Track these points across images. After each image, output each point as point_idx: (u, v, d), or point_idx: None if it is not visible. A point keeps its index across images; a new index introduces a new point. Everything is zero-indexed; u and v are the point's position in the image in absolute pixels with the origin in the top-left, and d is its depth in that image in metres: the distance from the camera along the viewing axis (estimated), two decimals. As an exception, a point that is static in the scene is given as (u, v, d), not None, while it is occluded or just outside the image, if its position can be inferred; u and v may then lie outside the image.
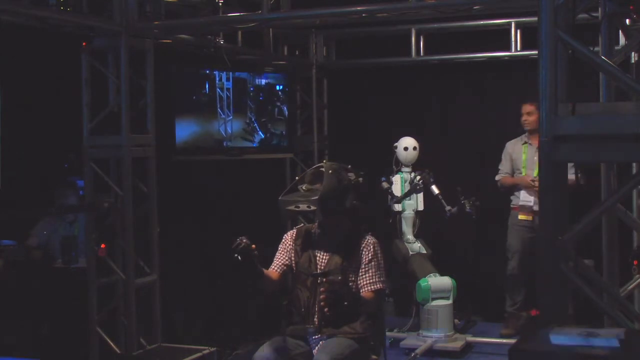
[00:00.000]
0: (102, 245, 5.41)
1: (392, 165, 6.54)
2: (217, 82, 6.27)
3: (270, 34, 6.90)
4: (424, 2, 5.28)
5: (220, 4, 5.86)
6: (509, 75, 7.04)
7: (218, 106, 6.28)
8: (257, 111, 6.56)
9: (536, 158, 6.44)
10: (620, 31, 4.47)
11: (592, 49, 3.62)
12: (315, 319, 4.04)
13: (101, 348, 5.49)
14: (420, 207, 6.49)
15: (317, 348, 3.98)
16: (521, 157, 6.52)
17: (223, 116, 6.31)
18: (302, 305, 4.07)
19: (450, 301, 6.19)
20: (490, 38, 7.04)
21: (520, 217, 6.46)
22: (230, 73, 6.34)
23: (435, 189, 6.31)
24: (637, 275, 4.35)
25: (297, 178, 4.36)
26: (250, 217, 6.32)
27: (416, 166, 6.53)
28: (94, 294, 5.47)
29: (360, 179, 4.15)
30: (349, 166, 4.19)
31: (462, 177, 6.63)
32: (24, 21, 4.99)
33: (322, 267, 4.04)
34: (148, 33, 5.64)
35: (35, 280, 5.25)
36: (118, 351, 5.54)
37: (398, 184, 6.45)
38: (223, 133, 6.33)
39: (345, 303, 3.84)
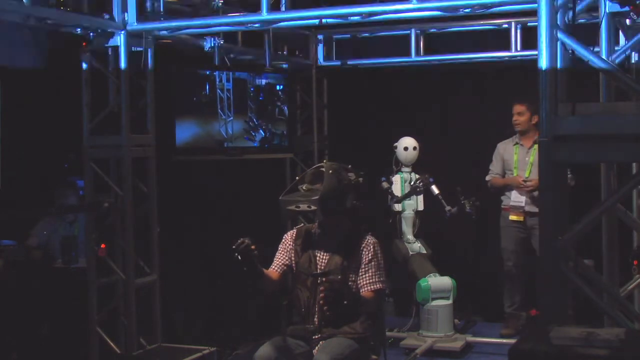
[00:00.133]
0: (102, 245, 5.41)
1: (392, 165, 6.54)
2: (217, 83, 6.27)
3: (270, 34, 6.89)
4: (424, 2, 5.27)
5: (220, 4, 5.85)
6: (509, 75, 7.04)
7: (218, 107, 6.28)
8: (257, 111, 6.56)
9: (527, 159, 6.45)
10: (620, 31, 4.47)
11: (592, 49, 3.62)
12: (315, 319, 4.04)
13: (101, 348, 5.49)
14: (420, 207, 6.49)
15: (317, 348, 3.98)
16: (513, 157, 6.52)
17: (224, 117, 6.32)
18: (302, 305, 4.07)
19: (450, 301, 6.19)
20: (490, 38, 7.03)
21: (512, 217, 6.46)
22: (231, 73, 6.33)
23: (435, 189, 6.31)
24: (637, 275, 4.35)
25: (297, 178, 4.37)
26: (250, 217, 6.32)
27: (416, 166, 6.53)
28: (94, 294, 5.47)
29: (360, 179, 4.16)
30: (349, 166, 4.19)
31: (462, 177, 6.63)
32: (24, 21, 4.98)
33: (322, 267, 4.04)
34: (148, 33, 5.64)
35: (35, 280, 5.26)
36: (118, 351, 5.54)
37: (398, 184, 6.45)
38: (224, 134, 6.33)
39: (345, 302, 3.84)
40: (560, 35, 3.39)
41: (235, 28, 6.09)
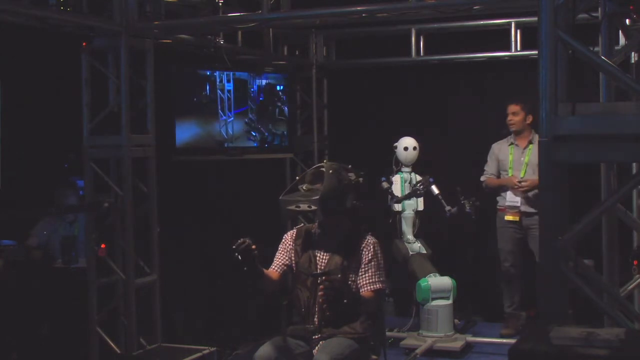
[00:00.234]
0: (102, 245, 5.41)
1: (392, 165, 6.54)
2: (217, 83, 6.27)
3: (270, 34, 6.90)
4: (424, 2, 5.28)
5: (220, 4, 5.86)
6: (509, 75, 7.04)
7: (219, 107, 6.29)
8: (257, 112, 6.56)
9: (523, 159, 6.45)
10: (620, 31, 4.47)
11: (592, 49, 3.62)
12: (315, 319, 4.04)
13: (101, 348, 5.49)
14: (420, 207, 6.49)
15: (317, 348, 3.98)
16: (508, 158, 6.52)
17: (224, 117, 6.32)
18: (302, 305, 4.07)
19: (450, 301, 6.19)
20: (490, 38, 7.04)
21: (507, 218, 6.46)
22: (231, 74, 6.34)
23: (435, 189, 6.31)
24: (637, 275, 4.35)
25: (297, 178, 4.37)
26: (250, 217, 6.33)
27: (416, 166, 6.53)
28: (94, 294, 5.47)
29: (360, 179, 4.16)
30: (349, 166, 4.19)
31: (462, 177, 6.63)
32: (24, 21, 4.99)
33: (322, 267, 4.04)
34: (148, 33, 5.64)
35: (35, 280, 5.25)
36: (118, 351, 5.54)
37: (398, 184, 6.45)
38: (224, 134, 6.33)
39: (345, 301, 3.84)
40: (560, 35, 3.39)
41: (235, 28, 6.10)
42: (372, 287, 4.03)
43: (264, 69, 6.71)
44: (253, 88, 6.52)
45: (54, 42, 5.37)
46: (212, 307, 6.50)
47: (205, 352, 5.58)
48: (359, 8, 5.42)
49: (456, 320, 6.39)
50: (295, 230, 4.26)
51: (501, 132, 6.62)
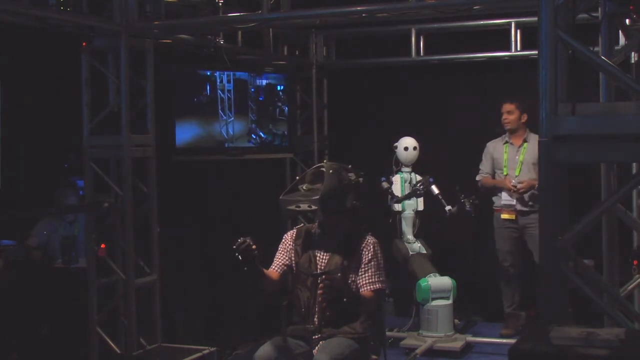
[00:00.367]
0: (102, 245, 5.41)
1: (392, 165, 6.54)
2: (217, 83, 6.27)
3: (270, 34, 6.90)
4: (424, 2, 5.28)
5: (220, 4, 5.86)
6: (509, 75, 7.04)
7: (219, 108, 6.29)
8: (258, 112, 6.56)
9: (518, 157, 6.46)
10: (620, 31, 4.47)
11: (592, 49, 3.62)
12: (315, 319, 4.04)
13: (101, 348, 5.49)
14: (420, 207, 6.49)
15: (317, 348, 3.98)
16: (503, 156, 6.53)
17: (224, 118, 6.32)
18: (302, 305, 4.07)
19: (450, 301, 6.19)
20: (490, 38, 7.03)
21: (503, 216, 6.47)
22: (231, 74, 6.34)
23: (435, 189, 6.31)
24: (637, 275, 4.35)
25: (297, 178, 4.37)
26: (250, 217, 6.33)
27: (416, 166, 6.53)
28: (94, 294, 5.47)
29: (360, 179, 4.16)
30: (349, 166, 4.19)
31: (462, 177, 6.63)
32: (24, 21, 4.98)
33: (322, 267, 4.04)
34: (148, 33, 5.64)
35: (35, 280, 5.25)
36: (118, 351, 5.54)
37: (398, 184, 6.45)
38: (225, 135, 6.33)
39: (345, 300, 3.84)
40: (560, 35, 3.39)
41: (235, 28, 6.10)
42: (372, 287, 4.03)
43: (264, 69, 6.71)
44: (253, 88, 6.52)
45: (54, 42, 5.37)
46: (212, 307, 6.50)
47: (205, 352, 5.58)
48: (359, 8, 5.41)
49: (456, 320, 6.39)
50: (295, 230, 4.26)
51: (495, 130, 6.63)
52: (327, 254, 4.09)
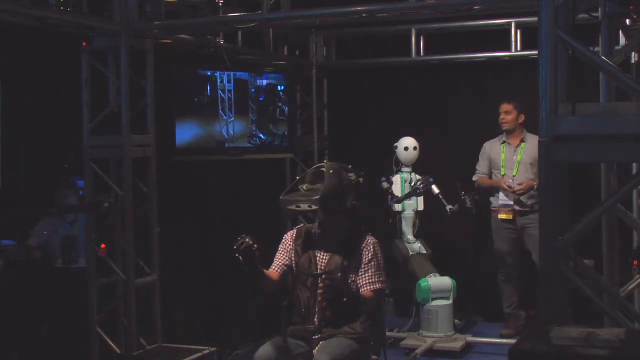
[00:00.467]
0: (102, 245, 5.41)
1: (392, 165, 6.54)
2: (218, 83, 6.27)
3: (270, 34, 6.90)
4: (424, 2, 5.28)
5: (220, 4, 5.86)
6: (509, 75, 7.04)
7: (219, 108, 6.29)
8: (258, 112, 6.56)
9: (515, 157, 6.46)
10: (620, 31, 4.47)
11: (592, 49, 3.62)
12: (315, 319, 4.04)
13: (101, 348, 5.49)
14: (420, 207, 6.49)
15: (317, 348, 3.98)
16: (500, 156, 6.53)
17: (225, 118, 6.32)
18: (302, 305, 4.07)
19: (450, 301, 6.19)
20: (490, 38, 7.04)
21: (501, 216, 6.47)
22: (232, 74, 6.34)
23: (435, 189, 6.32)
24: (637, 275, 4.35)
25: (297, 178, 4.37)
26: (250, 217, 6.32)
27: (416, 166, 6.53)
28: (94, 294, 5.47)
29: (360, 179, 4.16)
30: (349, 166, 4.19)
31: (462, 177, 6.62)
32: (24, 21, 4.98)
33: (322, 267, 4.04)
34: (148, 33, 5.64)
35: (35, 280, 5.25)
36: (118, 351, 5.54)
37: (398, 184, 6.45)
38: (225, 135, 6.33)
39: (345, 300, 3.84)
40: (560, 35, 3.39)
41: (235, 28, 6.10)
42: (372, 287, 4.03)
43: (264, 69, 6.71)
44: (253, 88, 6.52)
45: (54, 42, 5.37)
46: (212, 307, 6.50)
47: (205, 352, 5.58)
48: (359, 8, 5.42)
49: (456, 320, 6.39)
50: (295, 230, 4.26)
51: (496, 130, 6.63)
52: (327, 254, 4.09)
